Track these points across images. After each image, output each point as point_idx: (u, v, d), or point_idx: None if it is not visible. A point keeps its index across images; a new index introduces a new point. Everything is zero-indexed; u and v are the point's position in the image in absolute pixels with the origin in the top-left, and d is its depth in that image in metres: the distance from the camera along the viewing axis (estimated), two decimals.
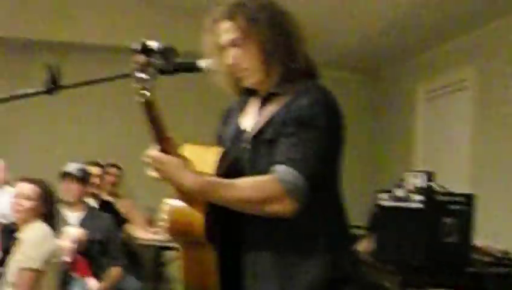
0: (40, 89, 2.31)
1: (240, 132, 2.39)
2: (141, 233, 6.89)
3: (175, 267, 7.62)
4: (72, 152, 7.01)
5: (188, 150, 2.30)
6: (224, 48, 2.34)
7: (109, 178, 7.27)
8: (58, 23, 7.91)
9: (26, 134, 8.15)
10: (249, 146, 2.30)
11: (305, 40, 2.35)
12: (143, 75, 2.03)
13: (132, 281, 5.92)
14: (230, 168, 2.27)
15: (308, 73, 2.35)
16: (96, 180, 6.60)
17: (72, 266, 4.84)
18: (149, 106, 2.08)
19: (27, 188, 4.45)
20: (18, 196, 4.46)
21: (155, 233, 6.81)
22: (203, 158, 2.26)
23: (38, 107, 7.56)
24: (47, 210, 4.51)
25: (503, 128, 5.88)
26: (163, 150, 2.16)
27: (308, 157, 2.14)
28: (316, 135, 2.17)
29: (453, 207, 4.12)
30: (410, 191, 4.18)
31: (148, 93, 2.04)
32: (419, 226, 4.04)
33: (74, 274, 4.98)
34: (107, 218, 5.64)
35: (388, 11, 5.79)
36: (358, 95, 8.74)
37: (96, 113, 8.39)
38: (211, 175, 2.18)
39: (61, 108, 7.87)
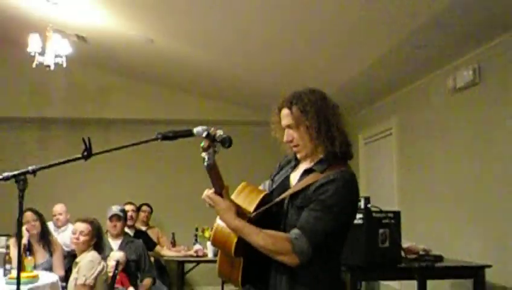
0: (78, 156, 2.33)
1: (286, 184, 2.35)
2: (167, 252, 6.88)
3: (192, 275, 7.68)
4: (115, 196, 7.02)
5: (243, 187, 2.29)
6: (283, 128, 2.31)
7: (143, 214, 7.30)
8: (101, 104, 7.98)
9: (81, 185, 8.17)
10: (288, 201, 2.26)
11: (346, 129, 2.29)
12: (205, 154, 2.06)
13: (161, 287, 5.89)
14: (268, 210, 2.24)
15: (344, 156, 2.26)
16: (132, 215, 6.63)
17: (116, 280, 4.79)
18: (209, 170, 2.11)
19: (82, 226, 4.49)
20: (75, 232, 4.49)
21: (177, 251, 6.89)
22: (251, 196, 2.24)
23: (90, 164, 7.55)
24: (96, 241, 4.53)
25: (419, 163, 5.91)
26: (218, 193, 2.18)
27: (318, 231, 2.11)
28: (330, 217, 2.12)
29: (385, 221, 4.04)
30: None
31: (206, 163, 2.07)
32: (362, 236, 3.90)
33: (118, 286, 4.95)
34: (139, 243, 5.69)
35: (335, 80, 5.75)
36: None
37: (133, 169, 8.40)
38: (248, 216, 2.17)
39: (107, 166, 7.92)
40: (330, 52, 5.40)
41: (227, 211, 2.15)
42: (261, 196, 2.25)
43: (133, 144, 2.34)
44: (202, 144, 2.05)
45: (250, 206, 2.20)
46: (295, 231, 2.13)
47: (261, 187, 2.44)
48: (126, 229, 6.03)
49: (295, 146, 2.31)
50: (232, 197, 2.24)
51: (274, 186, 2.42)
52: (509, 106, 4.32)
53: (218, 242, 2.24)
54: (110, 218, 5.54)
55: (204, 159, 2.06)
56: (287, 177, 2.38)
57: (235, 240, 2.15)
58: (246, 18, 4.99)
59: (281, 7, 4.60)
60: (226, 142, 2.05)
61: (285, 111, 2.29)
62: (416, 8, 4.11)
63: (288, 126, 2.29)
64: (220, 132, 2.06)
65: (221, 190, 2.17)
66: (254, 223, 2.15)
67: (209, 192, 2.20)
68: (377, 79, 5.93)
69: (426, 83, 5.73)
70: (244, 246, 2.16)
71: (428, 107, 5.68)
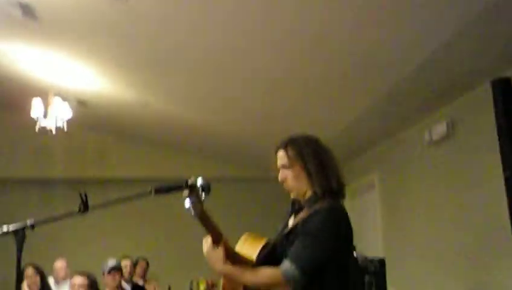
0: (75, 211, 2.30)
1: (284, 229, 2.32)
2: None
3: None
4: (112, 251, 6.90)
5: (245, 238, 2.30)
6: (278, 168, 2.32)
7: (139, 268, 7.16)
8: (100, 165, 7.95)
9: (80, 241, 8.05)
10: (284, 241, 2.23)
11: (338, 168, 2.29)
12: (188, 204, 1.93)
13: None
14: (269, 253, 2.22)
15: (335, 193, 2.24)
16: (128, 269, 6.52)
17: None
18: (200, 219, 2.00)
19: (79, 279, 4.39)
20: (73, 285, 4.39)
21: None
22: (253, 244, 2.24)
23: (90, 220, 7.53)
24: None
25: (401, 213, 5.91)
26: (213, 240, 2.11)
27: (307, 257, 2.06)
28: (317, 244, 2.08)
29: (371, 268, 4.04)
30: None
31: (194, 213, 1.94)
32: None
33: None
34: None
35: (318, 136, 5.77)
36: None
37: (129, 225, 8.29)
38: (244, 262, 2.14)
39: (105, 223, 7.83)
40: (313, 113, 5.45)
41: (216, 258, 2.11)
42: (263, 243, 2.25)
43: (127, 199, 2.32)
44: (183, 193, 1.96)
45: (253, 255, 2.19)
46: (285, 263, 2.08)
47: None
48: (123, 283, 5.90)
49: (289, 186, 2.31)
50: (236, 248, 2.22)
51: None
52: (480, 155, 4.35)
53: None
54: (110, 271, 5.40)
55: (189, 209, 1.94)
56: (287, 223, 2.36)
57: (242, 287, 2.14)
58: (238, 80, 5.06)
59: (269, 70, 4.67)
60: (205, 188, 1.97)
61: (280, 152, 2.32)
62: (391, 67, 4.20)
63: (283, 166, 2.30)
64: (199, 180, 1.98)
65: (218, 239, 2.11)
66: None
67: (206, 241, 2.15)
68: (358, 135, 5.99)
69: (404, 137, 5.78)
70: None
71: (407, 159, 5.72)
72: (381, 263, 4.11)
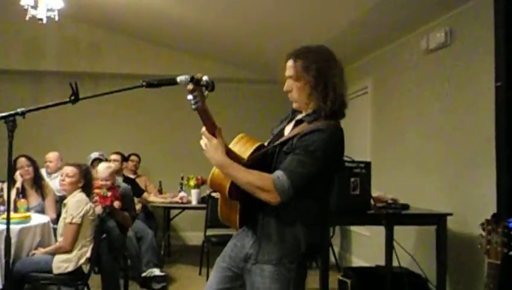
0: (66, 100, 2.34)
1: (280, 135, 2.39)
2: (153, 198, 6.97)
3: (177, 220, 7.75)
4: (105, 147, 7.00)
5: (240, 138, 2.34)
6: (286, 77, 2.35)
7: (131, 163, 7.29)
8: (93, 59, 7.84)
9: (74, 137, 8.08)
10: (277, 148, 2.30)
11: (342, 88, 2.32)
12: (191, 97, 2.04)
13: (148, 230, 5.92)
14: (261, 156, 2.29)
15: (334, 113, 2.27)
16: (118, 164, 6.62)
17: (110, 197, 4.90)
18: (199, 112, 2.09)
19: (68, 169, 4.46)
20: (63, 175, 4.48)
21: (163, 198, 6.96)
22: (246, 145, 2.29)
23: (83, 115, 7.61)
24: (84, 183, 4.50)
25: (391, 119, 5.95)
26: (211, 133, 2.19)
27: (299, 172, 2.13)
28: (312, 161, 2.14)
29: (357, 170, 4.11)
30: None
31: (194, 106, 2.06)
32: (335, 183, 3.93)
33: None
34: (125, 186, 5.57)
35: (314, 41, 5.68)
36: None
37: (124, 121, 8.33)
38: (242, 162, 2.20)
39: (98, 119, 7.98)
40: (311, 13, 5.33)
41: (216, 147, 2.16)
42: (256, 145, 2.30)
43: (119, 90, 2.34)
44: (188, 87, 2.05)
45: (244, 154, 2.24)
46: (278, 172, 2.16)
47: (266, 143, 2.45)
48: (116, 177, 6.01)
49: (291, 96, 2.36)
50: (230, 146, 2.26)
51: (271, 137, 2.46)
52: (476, 66, 4.34)
53: (214, 184, 2.27)
54: (92, 163, 5.52)
55: (190, 101, 2.05)
56: (282, 129, 2.43)
57: (229, 181, 2.19)
58: None
59: None
60: (209, 85, 2.05)
61: (290, 62, 2.33)
62: None
63: (290, 77, 2.32)
64: (205, 77, 2.05)
65: (213, 131, 2.18)
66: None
67: (203, 129, 2.21)
68: (355, 40, 5.89)
69: (401, 44, 5.71)
70: (238, 189, 2.19)
71: (402, 67, 5.68)
72: (367, 166, 4.17)
